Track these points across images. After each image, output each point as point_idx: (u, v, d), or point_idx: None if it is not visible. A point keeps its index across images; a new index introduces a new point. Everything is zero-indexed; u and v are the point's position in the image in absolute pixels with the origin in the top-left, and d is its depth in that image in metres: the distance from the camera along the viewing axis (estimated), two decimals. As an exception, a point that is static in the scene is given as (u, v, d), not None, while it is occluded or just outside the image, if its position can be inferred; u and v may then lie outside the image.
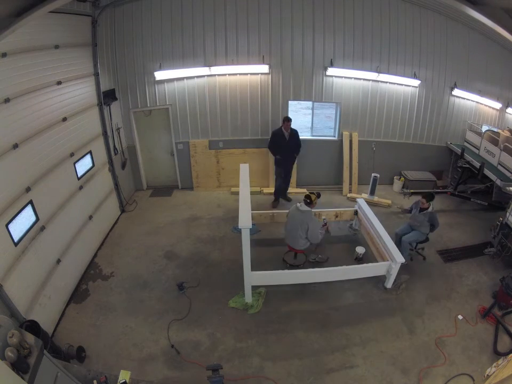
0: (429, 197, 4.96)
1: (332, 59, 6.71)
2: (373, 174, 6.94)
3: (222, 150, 7.26)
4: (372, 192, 7.09)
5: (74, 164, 4.91)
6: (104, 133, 5.98)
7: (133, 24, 6.14)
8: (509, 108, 7.77)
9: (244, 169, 5.36)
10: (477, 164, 6.55)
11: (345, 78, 6.93)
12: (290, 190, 7.37)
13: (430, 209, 4.96)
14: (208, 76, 6.64)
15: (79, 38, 5.19)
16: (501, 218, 5.25)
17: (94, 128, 5.66)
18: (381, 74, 6.88)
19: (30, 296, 3.68)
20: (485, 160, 6.58)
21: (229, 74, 6.70)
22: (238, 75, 6.72)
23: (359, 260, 5.12)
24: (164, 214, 6.59)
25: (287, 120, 6.24)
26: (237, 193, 5.37)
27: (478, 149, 7.11)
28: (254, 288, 4.48)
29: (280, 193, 6.96)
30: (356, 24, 6.54)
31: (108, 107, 6.08)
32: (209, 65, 6.50)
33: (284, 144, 6.37)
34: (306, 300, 4.52)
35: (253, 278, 4.27)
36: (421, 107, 7.40)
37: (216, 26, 6.31)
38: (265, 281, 4.51)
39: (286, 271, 4.50)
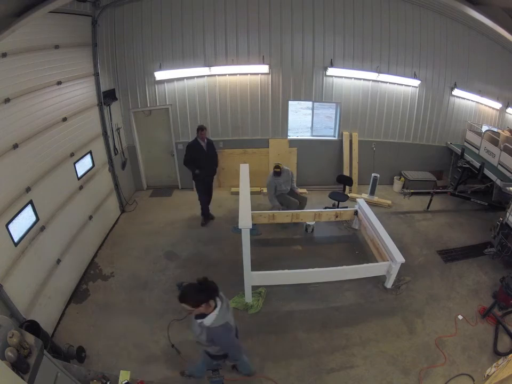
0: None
1: (332, 59, 6.71)
2: (373, 174, 6.94)
3: (222, 150, 7.25)
4: (372, 192, 7.10)
5: (74, 164, 4.91)
6: (104, 133, 5.98)
7: (133, 24, 6.14)
8: (509, 107, 7.77)
9: (244, 169, 5.36)
10: (477, 164, 6.55)
11: (345, 78, 6.94)
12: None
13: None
14: (208, 76, 6.64)
15: (79, 38, 5.19)
16: (501, 218, 5.24)
17: (94, 128, 5.66)
18: (381, 74, 6.88)
19: (30, 296, 3.68)
20: (485, 160, 6.58)
21: (229, 74, 6.70)
22: (238, 75, 6.73)
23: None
24: (164, 214, 6.60)
25: (202, 129, 5.59)
26: (237, 193, 5.37)
27: (478, 149, 7.11)
28: (254, 288, 4.48)
29: (207, 212, 6.26)
30: (355, 24, 6.55)
31: (108, 107, 6.08)
32: (209, 65, 6.50)
33: (202, 156, 5.67)
34: (307, 300, 4.52)
35: (253, 278, 4.27)
36: (421, 107, 7.40)
37: (216, 26, 6.31)
38: (265, 281, 4.51)
39: (286, 271, 4.50)
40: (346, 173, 7.46)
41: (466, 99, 7.55)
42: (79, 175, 5.03)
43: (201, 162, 5.67)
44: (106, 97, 5.99)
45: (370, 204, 6.23)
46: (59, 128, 4.52)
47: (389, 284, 4.65)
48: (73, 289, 4.65)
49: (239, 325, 4.11)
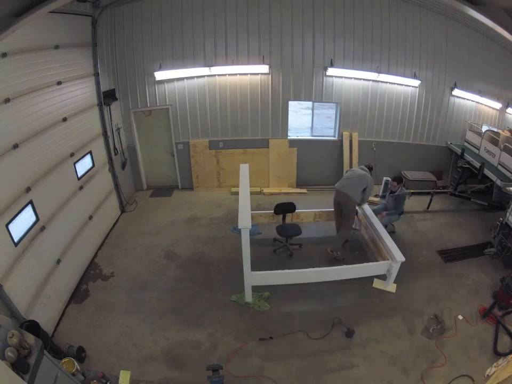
0: (398, 179, 5.61)
1: (332, 59, 6.71)
2: (384, 178, 6.82)
3: (222, 150, 7.26)
4: (384, 196, 6.95)
5: (75, 164, 4.92)
6: (104, 133, 5.98)
7: (133, 24, 6.14)
8: (509, 107, 7.77)
9: (244, 169, 5.35)
10: (477, 164, 6.55)
11: (345, 78, 6.94)
12: (289, 190, 7.41)
13: (398, 191, 5.57)
14: (208, 76, 6.64)
15: (79, 38, 5.20)
16: (501, 218, 5.24)
17: (94, 128, 5.66)
18: (381, 75, 6.88)
19: (30, 296, 3.68)
20: (485, 160, 6.57)
21: (229, 75, 6.70)
22: (238, 75, 6.73)
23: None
24: (164, 214, 6.59)
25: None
26: (237, 193, 5.36)
27: (478, 149, 7.10)
28: (259, 290, 4.49)
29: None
30: (355, 24, 6.54)
31: (108, 107, 6.08)
32: (209, 65, 6.50)
33: None
34: (306, 300, 4.52)
35: (253, 278, 4.27)
36: (421, 107, 7.40)
37: (216, 26, 6.31)
38: (265, 281, 4.50)
39: (286, 270, 4.50)
40: (346, 173, 7.45)
41: (466, 99, 7.55)
42: (79, 175, 5.03)
43: None
44: (106, 97, 5.99)
45: (370, 204, 6.22)
46: (59, 128, 4.52)
47: (389, 284, 4.66)
48: (73, 289, 4.65)
49: (239, 324, 4.15)
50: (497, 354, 3.67)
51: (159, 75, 6.45)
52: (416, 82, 7.09)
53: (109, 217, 6.13)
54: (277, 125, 7.21)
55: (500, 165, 6.31)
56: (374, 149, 7.56)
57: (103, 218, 5.78)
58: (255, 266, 4.21)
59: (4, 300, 3.23)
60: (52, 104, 4.38)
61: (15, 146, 3.60)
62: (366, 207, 5.59)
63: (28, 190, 3.78)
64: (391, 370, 3.59)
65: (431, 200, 6.78)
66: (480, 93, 7.47)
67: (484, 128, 7.65)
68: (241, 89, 6.84)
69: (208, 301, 4.48)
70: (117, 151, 6.54)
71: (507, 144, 6.18)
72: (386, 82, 7.06)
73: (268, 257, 5.29)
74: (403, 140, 7.64)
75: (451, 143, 7.74)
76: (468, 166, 6.91)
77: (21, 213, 3.64)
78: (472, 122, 7.74)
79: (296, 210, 5.64)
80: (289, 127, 7.36)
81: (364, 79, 6.99)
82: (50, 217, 4.21)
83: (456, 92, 7.31)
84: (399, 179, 5.66)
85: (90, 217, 5.32)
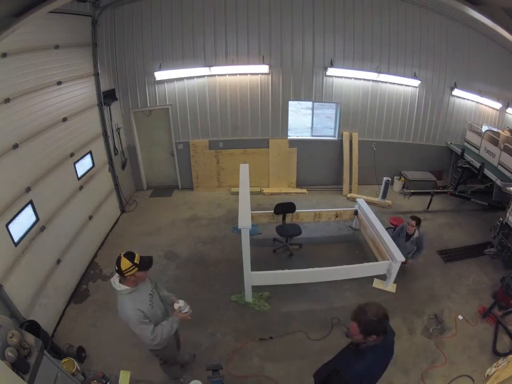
0: (418, 221, 4.67)
1: (332, 59, 6.70)
2: (384, 178, 6.91)
3: (222, 150, 7.26)
4: (384, 196, 7.04)
5: (74, 164, 4.92)
6: (104, 133, 5.98)
7: (133, 24, 6.14)
8: (509, 107, 7.76)
9: (244, 169, 5.35)
10: (477, 164, 6.55)
11: (345, 78, 6.93)
12: (289, 190, 7.40)
13: (416, 235, 4.72)
14: (208, 76, 6.64)
15: (79, 38, 5.19)
16: (501, 218, 5.24)
17: (94, 128, 5.66)
18: (381, 75, 6.88)
19: (30, 296, 3.68)
20: (485, 160, 6.57)
21: (229, 75, 6.70)
22: (238, 75, 6.72)
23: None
24: (164, 214, 6.59)
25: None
26: (237, 193, 5.36)
27: (478, 149, 7.10)
28: (258, 290, 4.49)
29: None
30: (355, 24, 6.54)
31: (108, 107, 6.08)
32: (209, 65, 6.50)
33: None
34: (306, 300, 4.52)
35: (253, 278, 4.27)
36: (421, 107, 7.39)
37: (216, 26, 6.30)
38: (265, 281, 4.50)
39: (286, 270, 4.50)
40: (346, 173, 7.46)
41: (466, 99, 7.54)
42: (79, 175, 5.03)
43: None
44: (106, 97, 5.99)
45: (370, 204, 6.22)
46: (59, 128, 4.52)
47: (389, 283, 4.66)
48: (73, 289, 4.65)
49: (239, 324, 4.14)
50: (496, 354, 3.67)
51: (159, 75, 6.45)
52: (416, 82, 7.09)
53: (109, 217, 6.13)
54: (277, 125, 7.20)
55: (500, 165, 6.31)
56: (374, 149, 7.56)
57: (103, 218, 5.78)
58: (255, 266, 4.21)
59: (4, 300, 3.23)
60: (52, 104, 4.38)
61: (15, 146, 3.60)
62: (366, 207, 5.59)
63: (28, 190, 3.78)
64: (391, 370, 3.58)
65: (431, 200, 6.79)
66: (480, 93, 7.46)
67: (484, 128, 7.65)
68: (241, 89, 6.84)
69: (208, 301, 4.48)
70: (117, 151, 6.54)
71: (507, 144, 6.18)
72: (386, 82, 7.05)
73: (267, 257, 5.30)
74: (403, 140, 7.64)
75: (451, 143, 7.74)
76: (467, 166, 6.91)
77: (21, 213, 3.64)
78: (472, 122, 7.74)
79: (296, 210, 5.64)
80: (289, 127, 7.35)
81: (364, 79, 6.98)
82: (50, 217, 4.21)
83: (456, 91, 7.30)
84: (418, 219, 4.71)
85: (90, 217, 5.32)
